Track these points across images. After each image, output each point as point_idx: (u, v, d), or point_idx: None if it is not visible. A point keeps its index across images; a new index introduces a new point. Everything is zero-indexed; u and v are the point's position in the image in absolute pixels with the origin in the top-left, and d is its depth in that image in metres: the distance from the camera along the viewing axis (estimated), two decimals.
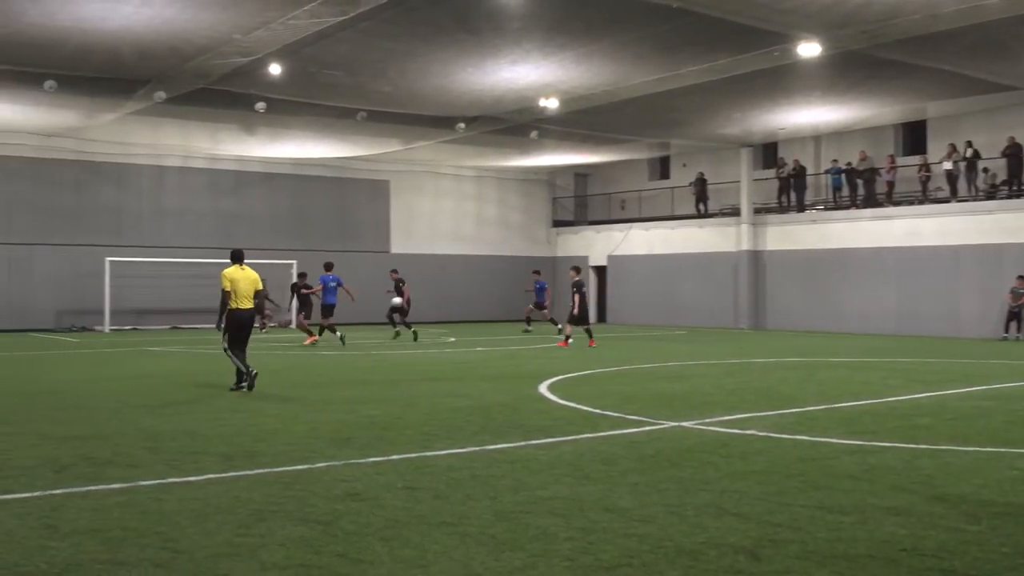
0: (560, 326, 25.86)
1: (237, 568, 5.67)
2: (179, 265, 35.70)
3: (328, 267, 27.58)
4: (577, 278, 26.40)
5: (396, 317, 29.70)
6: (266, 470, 8.56)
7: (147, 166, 36.28)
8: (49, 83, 24.93)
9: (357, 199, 41.10)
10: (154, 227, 36.36)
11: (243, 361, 15.06)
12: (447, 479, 8.19)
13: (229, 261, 15.81)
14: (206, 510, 7.03)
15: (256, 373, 15.06)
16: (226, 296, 15.24)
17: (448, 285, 41.55)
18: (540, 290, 34.54)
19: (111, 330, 33.78)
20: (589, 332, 26.10)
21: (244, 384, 14.94)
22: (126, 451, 9.46)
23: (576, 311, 25.65)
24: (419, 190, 42.78)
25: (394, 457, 9.19)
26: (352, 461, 8.97)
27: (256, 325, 28.80)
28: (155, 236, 36.26)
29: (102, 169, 35.38)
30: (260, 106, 28.17)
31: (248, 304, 15.39)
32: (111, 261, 34.06)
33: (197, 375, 17.61)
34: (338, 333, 25.98)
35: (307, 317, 28.33)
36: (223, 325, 15.31)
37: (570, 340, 25.92)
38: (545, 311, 34.44)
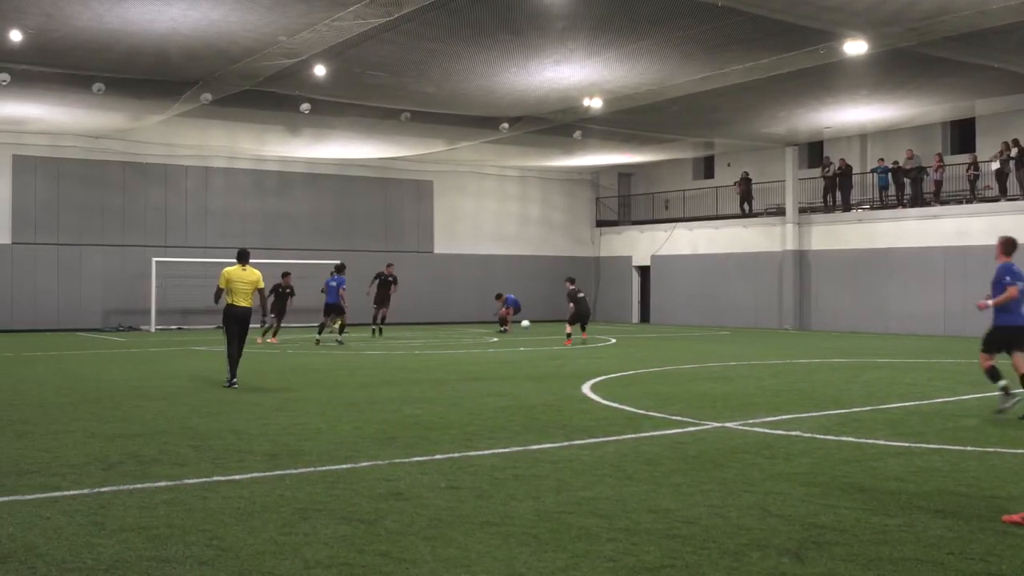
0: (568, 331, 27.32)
1: (281, 566, 5.71)
2: (224, 265, 35.80)
3: (340, 269, 27.79)
4: (572, 287, 28.42)
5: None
6: (310, 469, 8.61)
7: (193, 167, 36.63)
8: (97, 85, 25.24)
9: (401, 199, 41.24)
10: (200, 227, 36.71)
11: (234, 360, 15.67)
12: (490, 479, 8.20)
13: (234, 260, 16.23)
14: (251, 508, 7.09)
15: (236, 383, 15.51)
16: (218, 292, 16.02)
17: (491, 285, 41.54)
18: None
19: (157, 330, 34.13)
20: (583, 327, 28.35)
21: (232, 382, 15.48)
22: (172, 449, 9.56)
23: (571, 317, 27.98)
24: (462, 190, 42.86)
25: (437, 457, 9.22)
26: (396, 460, 9.01)
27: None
28: (201, 236, 36.60)
29: (149, 170, 35.77)
30: (305, 107, 28.33)
31: (245, 302, 15.96)
32: (157, 261, 34.43)
33: (242, 375, 17.72)
34: (338, 333, 26.71)
35: (278, 318, 27.39)
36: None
37: (571, 338, 27.59)
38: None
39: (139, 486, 7.85)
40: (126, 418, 11.80)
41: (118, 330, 34.19)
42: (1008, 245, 13.92)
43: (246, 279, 16.03)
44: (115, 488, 7.76)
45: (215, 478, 8.20)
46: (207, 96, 26.47)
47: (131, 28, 20.84)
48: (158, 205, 35.97)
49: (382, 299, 31.29)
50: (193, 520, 6.74)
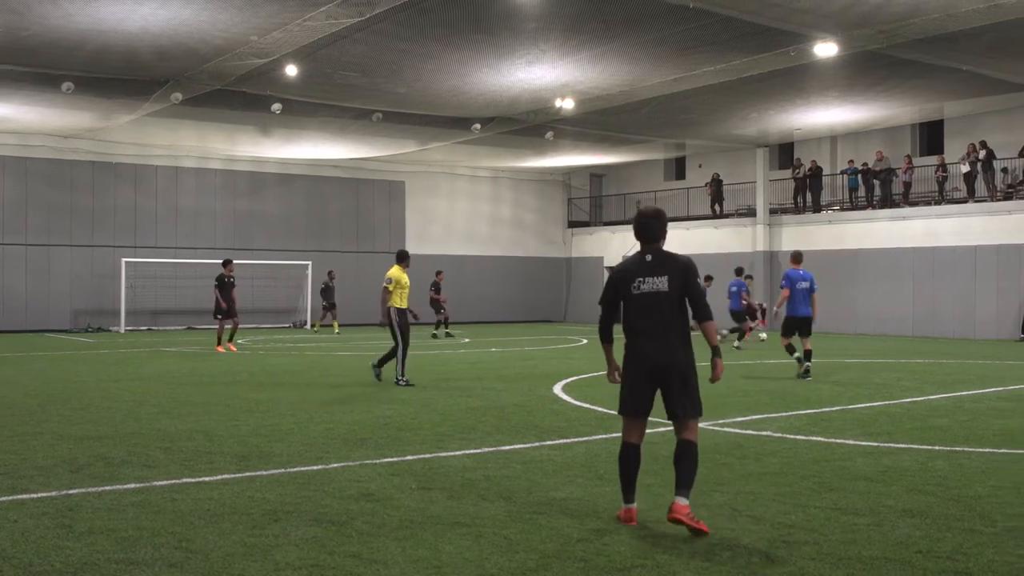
0: None
1: (251, 568, 5.69)
2: (195, 266, 35.82)
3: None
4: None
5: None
6: (281, 470, 8.59)
7: (163, 167, 36.42)
8: (67, 85, 25.06)
9: (372, 200, 41.16)
10: (170, 228, 36.49)
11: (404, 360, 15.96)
12: (461, 480, 8.20)
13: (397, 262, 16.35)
14: (220, 510, 7.06)
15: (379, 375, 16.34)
16: (387, 294, 15.98)
17: (463, 286, 41.55)
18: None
19: (127, 331, 33.92)
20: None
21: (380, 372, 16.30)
22: (141, 451, 9.50)
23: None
24: (434, 191, 42.81)
25: (409, 458, 9.21)
26: (367, 461, 8.99)
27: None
28: (171, 237, 36.40)
29: (119, 170, 35.53)
30: (276, 107, 28.23)
31: (406, 304, 16.17)
32: (127, 262, 34.23)
33: (212, 376, 17.65)
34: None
35: (225, 318, 24.65)
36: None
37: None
38: None
39: (108, 488, 7.80)
40: (95, 420, 11.72)
41: (87, 331, 33.95)
42: (795, 256, 18.21)
43: (406, 281, 16.24)
44: (83, 490, 7.71)
45: (184, 480, 8.15)
46: (177, 96, 26.32)
47: (101, 27, 20.71)
48: (128, 205, 35.72)
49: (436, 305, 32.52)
50: (162, 522, 6.70)
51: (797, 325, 17.47)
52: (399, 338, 15.87)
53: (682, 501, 6.47)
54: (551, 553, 6.02)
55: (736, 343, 25.77)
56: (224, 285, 24.65)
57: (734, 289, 26.46)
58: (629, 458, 6.86)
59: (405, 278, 16.17)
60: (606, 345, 7.15)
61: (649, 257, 6.88)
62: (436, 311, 32.57)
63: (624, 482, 6.86)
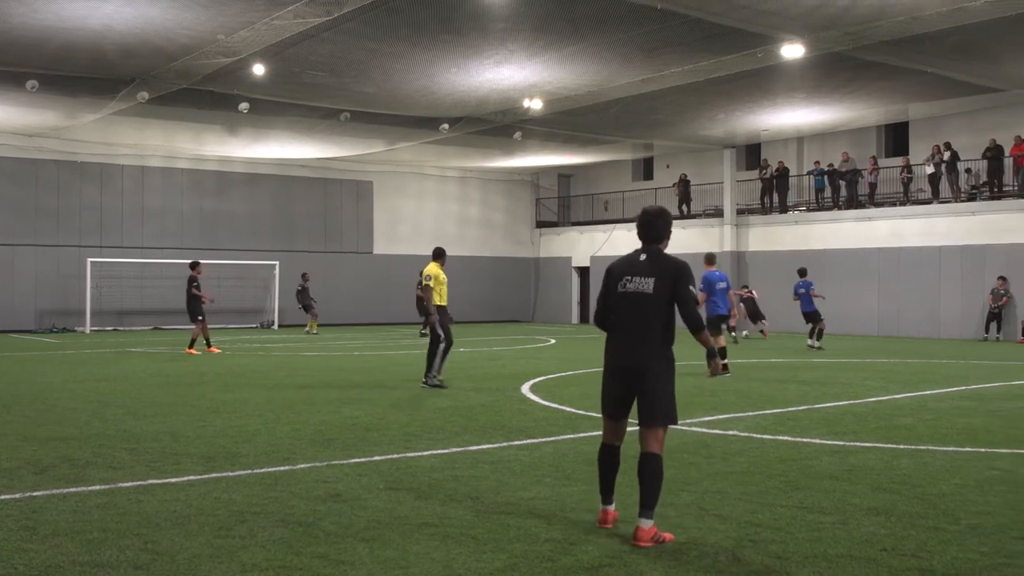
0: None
1: (217, 570, 5.66)
2: (161, 266, 35.59)
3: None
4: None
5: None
6: (247, 471, 8.55)
7: (129, 166, 36.14)
8: (31, 83, 24.84)
9: (340, 200, 41.03)
10: (136, 228, 36.23)
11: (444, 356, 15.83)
12: (429, 480, 8.19)
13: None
14: (187, 512, 7.02)
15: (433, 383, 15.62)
16: (428, 292, 15.94)
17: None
18: None
19: (92, 331, 33.65)
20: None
21: (437, 378, 15.65)
22: (107, 452, 9.43)
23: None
24: (403, 191, 42.73)
25: (376, 458, 9.19)
26: (334, 462, 8.97)
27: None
28: (137, 237, 36.13)
29: (84, 169, 35.25)
30: (243, 106, 28.11)
31: (444, 302, 15.96)
32: (92, 262, 33.96)
33: (179, 376, 17.55)
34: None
35: (195, 321, 23.87)
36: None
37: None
38: None
39: (73, 490, 7.74)
40: (60, 421, 11.62)
41: (52, 331, 33.65)
42: (709, 257, 19.21)
43: (443, 279, 16.18)
44: (48, 492, 7.65)
45: (150, 481, 8.10)
46: (144, 94, 26.14)
47: (65, 24, 20.54)
48: (93, 205, 35.44)
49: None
50: (128, 524, 6.65)
51: (712, 322, 18.41)
52: (443, 336, 15.70)
53: (645, 524, 6.29)
54: (519, 553, 6.02)
55: (816, 342, 26.08)
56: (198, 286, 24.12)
57: (803, 290, 26.35)
58: (603, 459, 6.79)
59: (443, 275, 16.16)
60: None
61: (644, 257, 6.77)
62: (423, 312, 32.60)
63: (603, 483, 6.77)
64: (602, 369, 6.88)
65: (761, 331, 32.36)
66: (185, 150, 35.87)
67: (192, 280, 23.80)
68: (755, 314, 32.61)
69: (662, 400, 6.61)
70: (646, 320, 6.62)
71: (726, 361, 17.98)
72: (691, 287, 6.74)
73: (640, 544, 6.20)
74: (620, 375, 6.69)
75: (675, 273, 6.69)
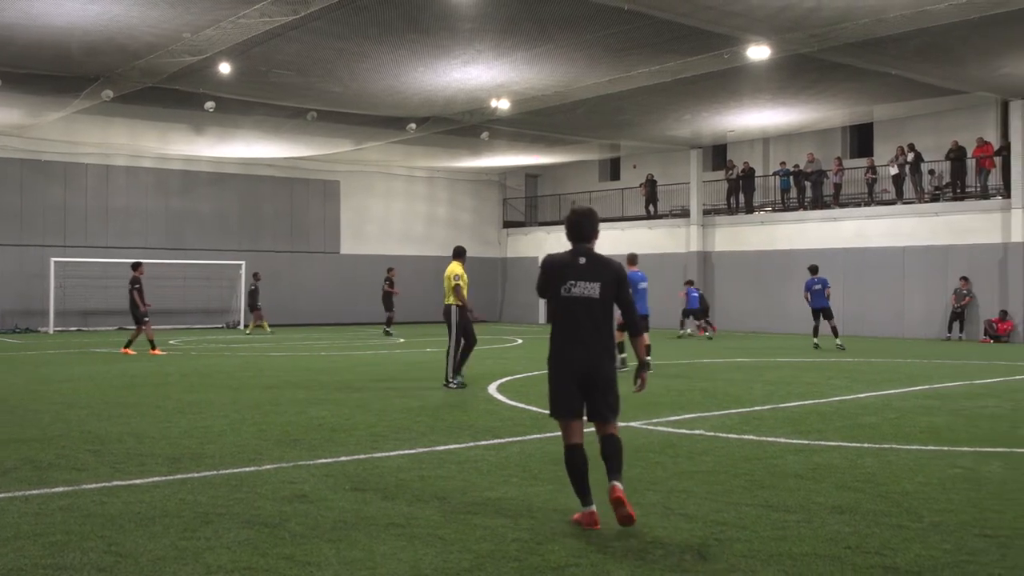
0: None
1: (182, 572, 5.63)
2: (126, 266, 35.17)
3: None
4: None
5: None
6: (213, 472, 8.50)
7: (94, 165, 35.85)
8: None
9: (307, 200, 40.89)
10: (101, 227, 35.95)
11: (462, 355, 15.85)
12: (395, 480, 8.18)
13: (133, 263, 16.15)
14: (151, 513, 6.97)
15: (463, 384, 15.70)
16: (459, 292, 16.21)
17: (399, 286, 41.41)
18: None
19: (56, 331, 33.35)
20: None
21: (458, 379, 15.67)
22: (70, 454, 9.35)
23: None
24: (370, 191, 42.64)
25: (343, 458, 9.16)
26: (300, 463, 8.93)
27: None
28: (102, 236, 35.85)
29: (48, 168, 34.93)
30: (209, 105, 27.95)
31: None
32: (56, 261, 33.66)
33: (144, 377, 17.42)
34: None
35: (139, 323, 23.59)
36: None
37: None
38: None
39: (35, 492, 7.66)
40: (22, 422, 11.51)
41: (15, 331, 33.34)
42: (631, 258, 19.04)
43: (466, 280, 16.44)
44: (10, 494, 7.57)
45: (114, 483, 8.04)
46: (109, 93, 25.94)
47: (29, 22, 20.36)
48: (57, 204, 35.13)
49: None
50: (91, 526, 6.60)
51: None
52: (468, 337, 15.86)
53: (619, 484, 6.59)
54: (485, 553, 6.02)
55: (837, 341, 26.01)
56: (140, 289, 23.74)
57: (818, 287, 26.13)
58: (576, 460, 6.79)
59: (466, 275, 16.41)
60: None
61: (583, 260, 6.86)
62: (389, 308, 33.57)
63: (579, 484, 6.77)
64: (553, 371, 6.98)
65: (700, 328, 32.65)
66: (150, 149, 35.61)
67: (135, 281, 23.55)
68: (699, 312, 32.82)
69: (615, 396, 6.91)
70: (596, 324, 6.82)
71: (624, 356, 18.08)
72: (629, 290, 7.02)
73: (620, 496, 6.49)
74: (577, 378, 6.82)
75: (617, 278, 6.90)
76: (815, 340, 26.24)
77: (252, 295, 33.98)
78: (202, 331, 34.50)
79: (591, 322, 6.80)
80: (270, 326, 34.21)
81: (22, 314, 34.13)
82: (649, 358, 17.13)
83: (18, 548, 6.07)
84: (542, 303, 44.31)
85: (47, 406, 13.09)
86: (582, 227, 6.98)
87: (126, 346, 23.42)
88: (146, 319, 23.38)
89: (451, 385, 15.49)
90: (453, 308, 15.97)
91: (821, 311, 25.98)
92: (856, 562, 5.85)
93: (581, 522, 6.70)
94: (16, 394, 14.59)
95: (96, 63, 23.89)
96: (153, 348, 23.22)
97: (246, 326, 35.41)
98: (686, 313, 32.85)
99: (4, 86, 25.01)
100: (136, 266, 24.16)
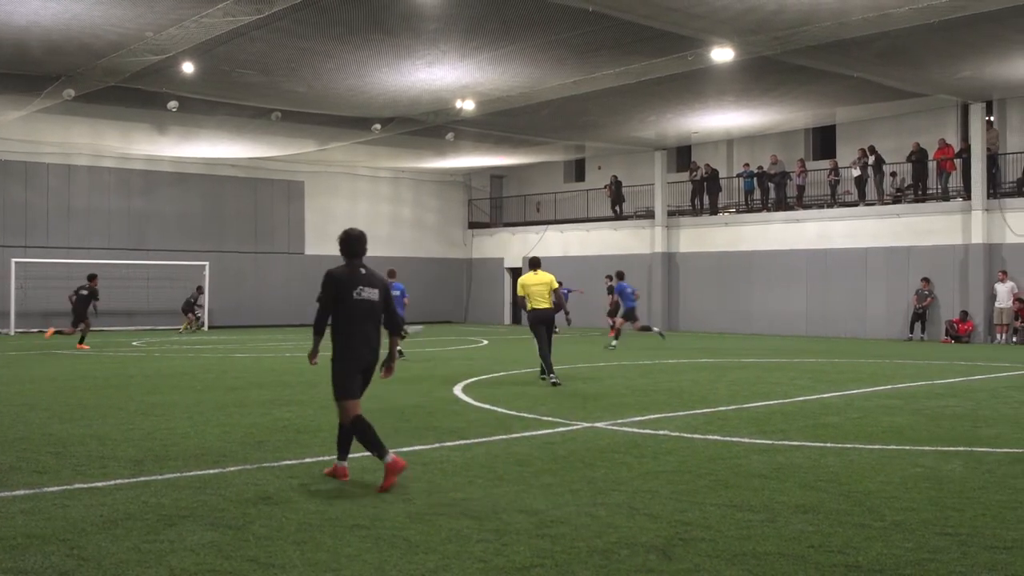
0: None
1: (146, 575, 5.59)
2: (88, 266, 34.97)
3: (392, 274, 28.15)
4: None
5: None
6: (176, 475, 8.45)
7: (55, 165, 35.50)
8: None
9: (271, 200, 40.69)
10: (62, 227, 35.62)
11: (547, 358, 16.53)
12: (360, 481, 8.17)
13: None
14: (114, 516, 6.92)
15: (558, 382, 16.18)
16: (521, 301, 16.87)
17: None
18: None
19: (16, 332, 33.01)
20: None
21: (551, 377, 16.30)
22: (31, 457, 9.26)
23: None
24: (334, 191, 42.49)
25: (308, 460, 9.13)
26: (265, 464, 8.90)
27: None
28: (63, 237, 35.52)
29: (9, 168, 34.56)
30: (172, 105, 27.78)
31: (544, 304, 16.64)
32: (17, 262, 33.32)
33: (107, 379, 17.28)
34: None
35: (74, 325, 26.68)
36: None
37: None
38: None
39: None
40: None
41: None
42: (390, 272, 19.97)
43: (541, 282, 16.73)
44: None
45: (76, 485, 7.97)
46: (70, 92, 25.72)
47: None
48: (17, 204, 34.77)
49: None
50: (53, 529, 6.54)
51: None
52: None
53: (390, 457, 8.01)
54: (451, 554, 6.02)
55: (615, 343, 26.51)
56: (82, 299, 26.40)
57: (629, 290, 27.02)
58: (363, 426, 8.17)
59: (539, 279, 16.86)
60: (319, 337, 8.32)
61: (363, 271, 8.32)
62: None
63: (340, 445, 8.41)
64: (344, 362, 8.19)
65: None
66: (112, 149, 35.30)
67: (92, 291, 26.23)
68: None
69: (370, 380, 8.47)
70: (376, 322, 8.36)
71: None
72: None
73: (402, 465, 7.97)
74: (363, 367, 8.27)
75: (386, 286, 8.49)
76: (610, 339, 27.50)
77: (189, 302, 34.22)
78: (165, 332, 34.25)
79: (374, 321, 8.33)
80: (208, 327, 34.42)
81: None
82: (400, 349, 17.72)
83: None
84: (507, 305, 44.53)
85: (7, 408, 12.96)
86: (361, 245, 8.40)
87: (80, 341, 25.53)
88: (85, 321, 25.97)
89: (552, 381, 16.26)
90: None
91: (632, 311, 27.13)
92: (819, 561, 5.89)
93: (336, 475, 8.31)
94: None
95: (57, 62, 23.68)
96: (81, 342, 25.88)
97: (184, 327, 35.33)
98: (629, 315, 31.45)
99: None
100: (92, 277, 26.40)
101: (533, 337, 16.85)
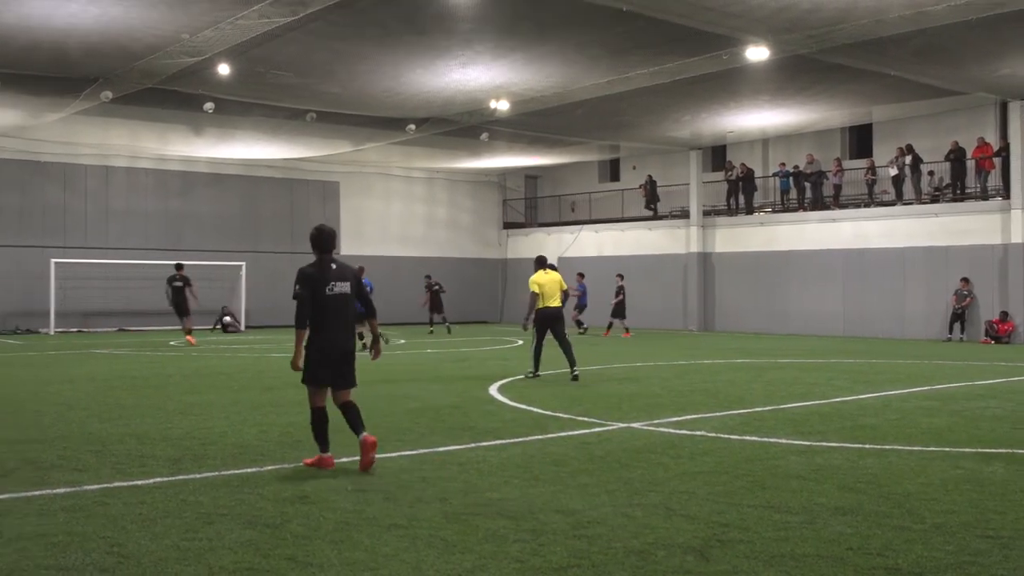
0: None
1: (184, 572, 5.63)
2: (126, 267, 35.34)
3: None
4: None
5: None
6: (214, 473, 8.50)
7: (94, 166, 35.85)
8: None
9: (307, 201, 40.88)
10: (101, 228, 35.95)
11: (539, 356, 17.38)
12: (397, 481, 8.18)
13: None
14: (153, 514, 6.97)
15: (577, 375, 17.04)
16: (534, 298, 17.21)
17: (398, 287, 41.42)
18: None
19: (56, 332, 33.35)
20: None
21: (536, 374, 17.36)
22: (72, 455, 9.35)
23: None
24: (369, 192, 42.64)
25: (344, 460, 9.15)
26: (302, 464, 8.93)
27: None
28: (102, 237, 35.85)
29: (48, 169, 34.93)
30: (208, 106, 27.95)
31: (556, 302, 17.25)
32: (56, 262, 33.65)
33: (145, 378, 17.42)
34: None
35: (184, 317, 27.50)
36: (531, 322, 17.54)
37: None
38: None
39: (37, 493, 7.67)
40: (23, 424, 11.52)
41: (15, 333, 33.33)
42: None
43: (552, 281, 17.32)
44: (12, 495, 7.57)
45: (116, 484, 8.04)
46: (108, 94, 25.94)
47: (28, 23, 20.35)
48: (57, 205, 35.13)
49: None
50: (93, 527, 6.60)
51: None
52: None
53: (369, 435, 8.67)
54: (487, 554, 6.02)
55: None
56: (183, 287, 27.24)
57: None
58: (322, 418, 8.82)
59: (551, 279, 17.47)
60: (302, 332, 8.73)
61: (334, 266, 8.84)
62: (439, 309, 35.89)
63: (323, 435, 8.81)
64: (317, 352, 8.70)
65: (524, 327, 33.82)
66: (149, 150, 35.61)
67: (184, 279, 27.23)
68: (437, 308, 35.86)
69: (353, 370, 8.93)
70: (348, 313, 8.85)
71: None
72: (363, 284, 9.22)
73: (373, 440, 8.62)
74: (336, 356, 8.74)
75: (356, 277, 9.05)
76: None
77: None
78: (201, 332, 34.48)
79: (347, 312, 8.83)
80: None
81: (23, 315, 34.12)
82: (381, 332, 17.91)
83: (20, 549, 6.07)
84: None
85: (48, 407, 13.09)
86: (332, 240, 8.97)
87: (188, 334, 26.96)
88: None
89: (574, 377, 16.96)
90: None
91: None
92: (859, 563, 5.85)
93: (319, 465, 8.71)
94: (17, 395, 14.59)
95: (95, 64, 23.89)
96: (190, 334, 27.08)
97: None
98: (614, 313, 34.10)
99: (3, 87, 25.00)
100: (180, 267, 27.66)
101: (535, 333, 17.36)
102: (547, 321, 17.20)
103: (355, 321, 9.03)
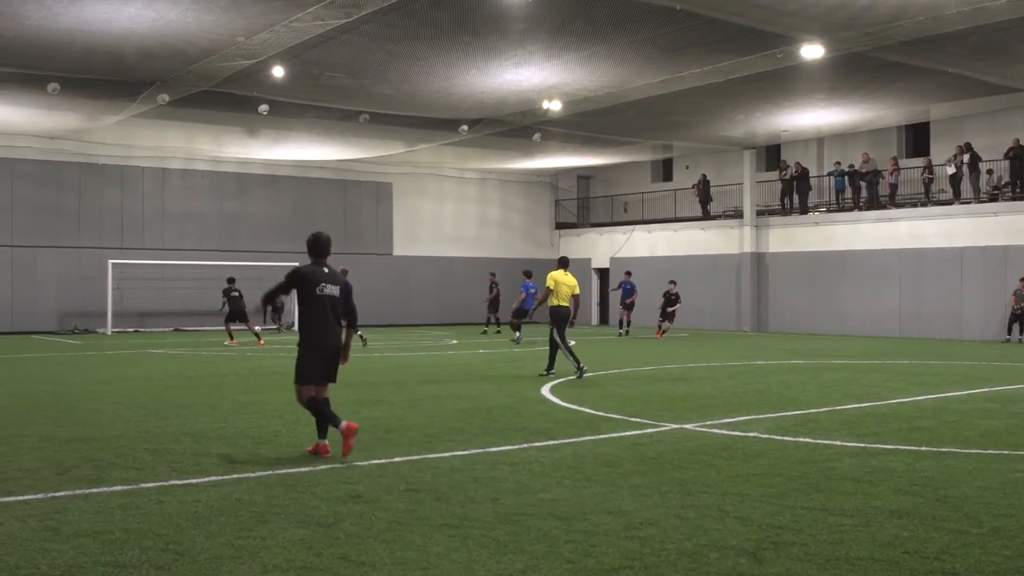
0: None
1: (239, 570, 5.68)
2: (182, 267, 35.75)
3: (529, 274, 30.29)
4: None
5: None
6: (268, 472, 8.57)
7: (150, 168, 36.32)
8: (52, 86, 24.98)
9: (360, 201, 41.11)
10: (157, 229, 36.40)
11: (570, 350, 17.61)
12: (449, 481, 8.19)
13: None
14: (208, 512, 7.04)
15: (585, 369, 17.56)
16: (547, 292, 17.81)
17: (450, 287, 41.57)
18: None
19: (113, 332, 33.81)
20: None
21: (580, 368, 17.43)
22: (128, 453, 9.47)
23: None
24: (422, 192, 42.79)
25: (396, 459, 9.19)
26: (354, 463, 8.98)
27: (274, 326, 30.39)
28: (158, 238, 36.31)
29: (105, 171, 35.43)
30: (263, 108, 28.20)
31: (566, 303, 17.68)
32: (114, 263, 34.12)
33: (200, 378, 17.61)
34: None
35: (246, 322, 27.98)
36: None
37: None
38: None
39: (94, 491, 7.77)
40: (81, 422, 11.68)
41: (74, 332, 33.84)
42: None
43: (569, 283, 17.84)
44: (70, 493, 7.68)
45: (172, 482, 8.13)
46: (164, 97, 26.27)
47: (86, 27, 20.65)
48: (114, 206, 35.63)
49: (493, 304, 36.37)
50: (149, 524, 6.68)
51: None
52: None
53: (352, 423, 9.24)
54: (539, 554, 6.01)
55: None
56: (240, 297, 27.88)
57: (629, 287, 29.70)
58: (323, 404, 9.44)
59: (568, 280, 17.98)
60: (266, 306, 10.22)
61: (327, 270, 9.63)
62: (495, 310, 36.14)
63: (321, 425, 9.41)
64: (308, 350, 9.42)
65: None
66: (205, 152, 36.02)
67: (239, 291, 27.84)
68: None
69: (338, 367, 9.65)
70: (336, 315, 9.53)
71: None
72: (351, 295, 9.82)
73: (355, 426, 9.18)
74: (326, 353, 9.44)
75: (345, 285, 9.73)
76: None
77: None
78: (266, 332, 34.76)
79: (335, 314, 9.50)
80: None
81: (80, 315, 34.65)
82: (360, 332, 18.08)
83: (79, 545, 6.15)
84: (595, 305, 44.44)
85: (106, 406, 13.26)
86: (327, 247, 9.76)
87: (258, 337, 27.77)
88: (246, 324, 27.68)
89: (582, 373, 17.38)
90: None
91: (525, 311, 28.83)
92: (915, 567, 5.77)
93: (318, 451, 9.31)
94: (76, 394, 14.80)
95: (152, 68, 24.19)
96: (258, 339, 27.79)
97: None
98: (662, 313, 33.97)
99: (62, 91, 25.39)
100: (232, 280, 28.52)
101: (556, 329, 17.59)
102: (559, 319, 17.57)
103: (339, 324, 9.63)
